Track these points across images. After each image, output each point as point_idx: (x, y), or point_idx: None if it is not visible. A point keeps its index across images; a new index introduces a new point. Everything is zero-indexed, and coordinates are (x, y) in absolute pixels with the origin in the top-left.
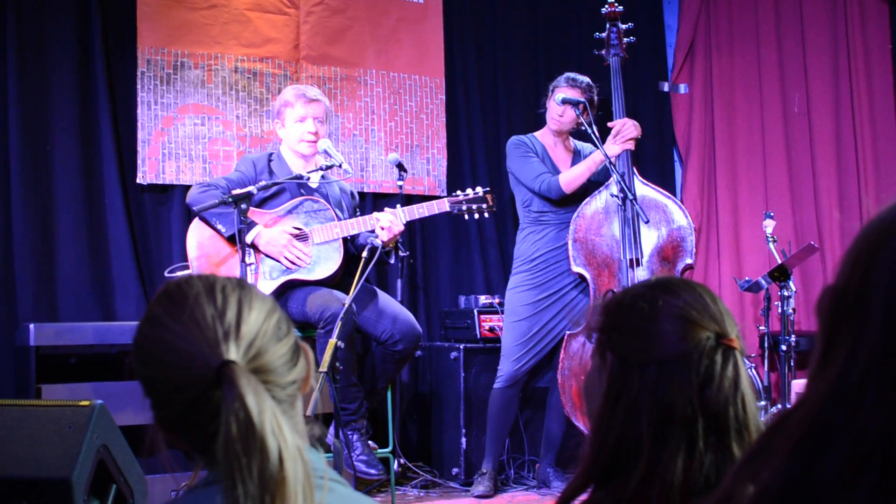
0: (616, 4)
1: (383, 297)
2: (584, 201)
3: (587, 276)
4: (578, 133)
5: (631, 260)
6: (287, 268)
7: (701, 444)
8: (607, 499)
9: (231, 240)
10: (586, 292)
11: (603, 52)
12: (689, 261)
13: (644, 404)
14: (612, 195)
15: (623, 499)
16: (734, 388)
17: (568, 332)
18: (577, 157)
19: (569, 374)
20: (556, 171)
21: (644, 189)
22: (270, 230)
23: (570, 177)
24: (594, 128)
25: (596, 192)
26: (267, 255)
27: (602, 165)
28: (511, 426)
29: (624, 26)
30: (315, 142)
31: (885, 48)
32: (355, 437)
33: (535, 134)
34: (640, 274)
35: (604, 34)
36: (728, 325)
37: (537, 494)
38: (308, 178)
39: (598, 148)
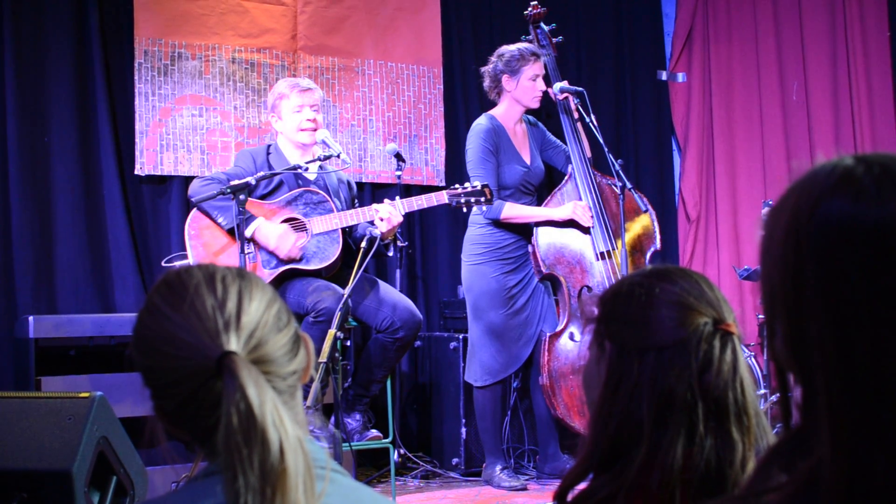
0: (539, 6)
1: (382, 285)
2: (545, 201)
3: (559, 275)
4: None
5: (603, 253)
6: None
7: (701, 429)
8: (608, 485)
9: (230, 232)
10: (542, 286)
11: (533, 46)
12: (656, 247)
13: (644, 391)
14: (610, 185)
15: (624, 485)
16: (733, 372)
17: (549, 333)
18: (531, 138)
19: (557, 376)
20: (519, 161)
21: (602, 180)
22: (269, 224)
23: (514, 214)
24: (593, 117)
25: (556, 190)
26: (264, 249)
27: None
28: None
29: (548, 27)
30: (314, 130)
31: (882, 35)
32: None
33: (495, 114)
34: (613, 265)
35: (530, 37)
36: (725, 311)
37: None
38: (306, 169)
39: (596, 134)
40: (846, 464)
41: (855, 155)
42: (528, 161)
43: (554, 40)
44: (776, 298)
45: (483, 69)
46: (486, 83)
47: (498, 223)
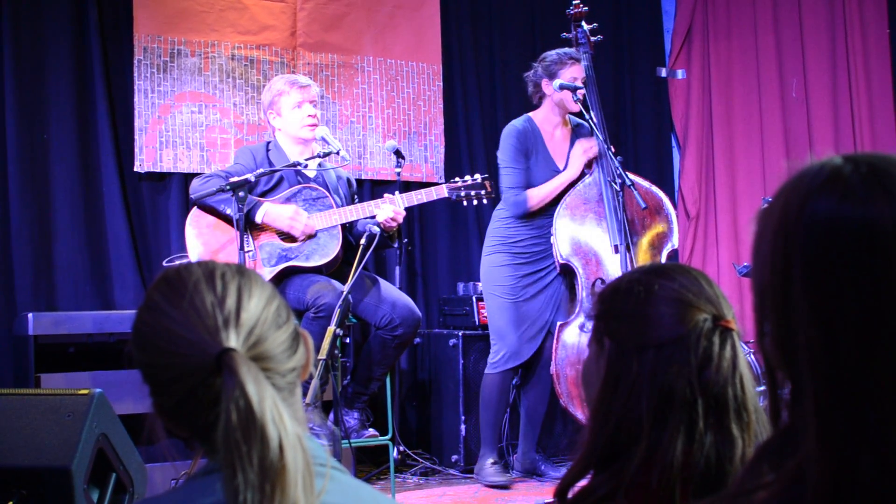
0: (581, 5)
1: (381, 283)
2: (567, 192)
3: (575, 266)
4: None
5: (617, 246)
6: (289, 246)
7: (700, 425)
8: (607, 483)
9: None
10: (560, 278)
11: (573, 51)
12: (674, 245)
13: (643, 388)
14: (609, 182)
15: (623, 482)
16: (732, 368)
17: (560, 322)
18: (574, 135)
19: (564, 364)
20: (551, 165)
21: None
22: (277, 206)
23: (538, 197)
24: (592, 114)
25: (579, 182)
26: (278, 230)
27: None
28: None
29: (588, 27)
30: (315, 125)
31: (882, 32)
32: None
33: (534, 117)
34: (627, 259)
35: (570, 35)
36: (724, 308)
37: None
38: (306, 166)
39: (596, 134)
40: (832, 461)
41: (844, 154)
42: (561, 166)
43: (592, 39)
44: (765, 298)
45: (526, 74)
46: (530, 89)
47: (525, 215)
